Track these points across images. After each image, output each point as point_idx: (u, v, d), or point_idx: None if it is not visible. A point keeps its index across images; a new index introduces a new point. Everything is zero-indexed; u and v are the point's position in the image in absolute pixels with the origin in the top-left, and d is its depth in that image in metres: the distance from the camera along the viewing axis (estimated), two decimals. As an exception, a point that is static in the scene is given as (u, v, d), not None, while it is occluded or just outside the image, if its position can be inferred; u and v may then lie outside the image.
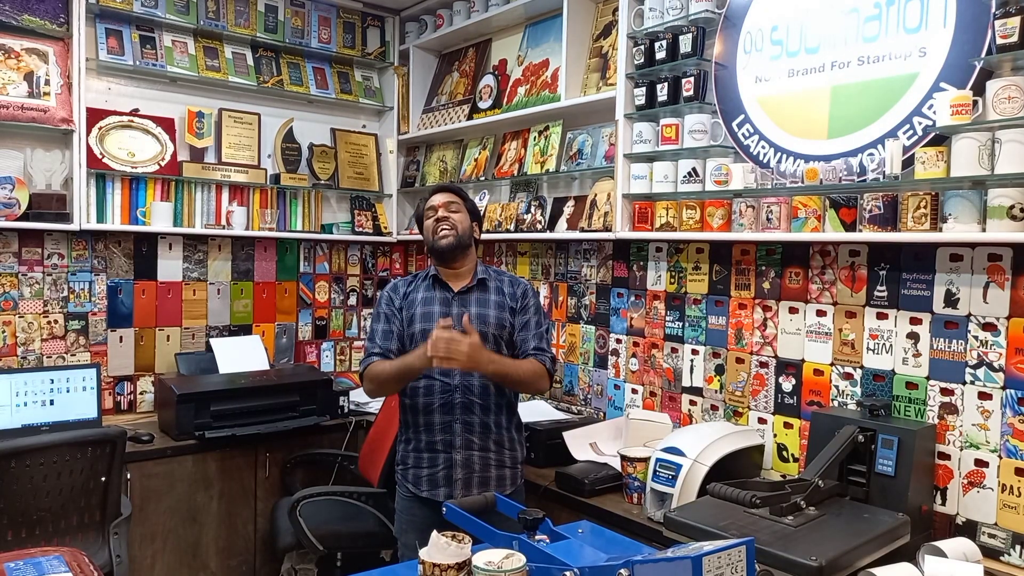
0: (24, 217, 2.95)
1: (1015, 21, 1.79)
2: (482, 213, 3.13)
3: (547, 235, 3.16)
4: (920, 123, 2.00)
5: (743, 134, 2.43)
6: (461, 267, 2.36)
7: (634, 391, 2.94)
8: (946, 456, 2.04)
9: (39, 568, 1.44)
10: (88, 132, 3.10)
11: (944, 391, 2.06)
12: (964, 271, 2.02)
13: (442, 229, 2.32)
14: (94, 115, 3.14)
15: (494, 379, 2.22)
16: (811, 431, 2.18)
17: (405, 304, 2.35)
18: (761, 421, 2.49)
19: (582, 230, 2.97)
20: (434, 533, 1.41)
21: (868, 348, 2.22)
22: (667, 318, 2.80)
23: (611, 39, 2.94)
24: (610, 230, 2.79)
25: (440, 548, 1.39)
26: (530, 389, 2.30)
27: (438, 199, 2.38)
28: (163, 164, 3.29)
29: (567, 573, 1.33)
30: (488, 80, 3.53)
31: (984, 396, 1.98)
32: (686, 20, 2.54)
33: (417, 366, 2.17)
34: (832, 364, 2.31)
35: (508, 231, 3.32)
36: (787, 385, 2.43)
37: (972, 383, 2.00)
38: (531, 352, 2.29)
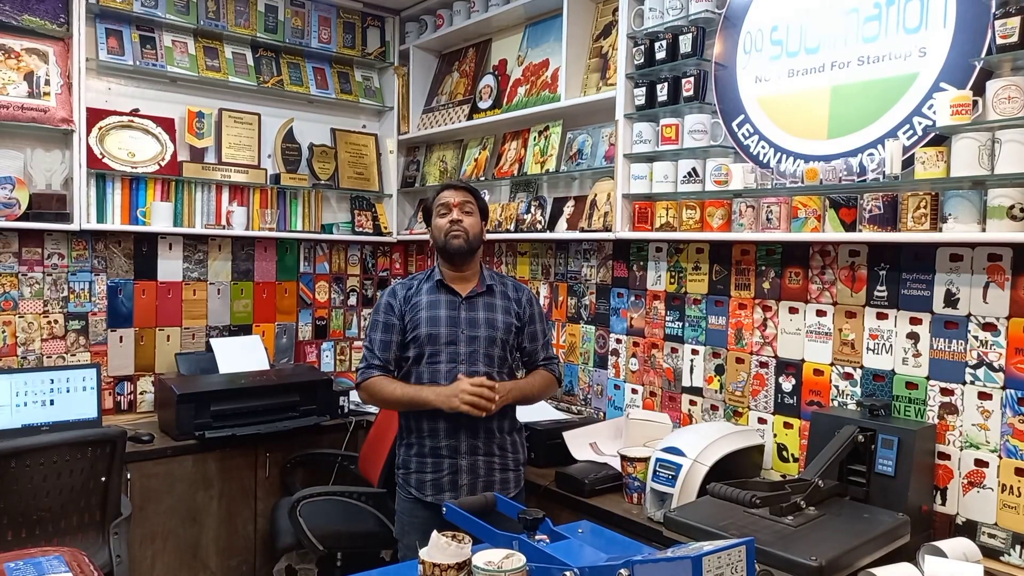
0: (24, 217, 2.95)
1: (1015, 21, 1.79)
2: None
3: (547, 235, 3.16)
4: (920, 123, 2.00)
5: (743, 134, 2.43)
6: (467, 270, 2.35)
7: (634, 391, 2.94)
8: (946, 456, 2.04)
9: (39, 568, 1.44)
10: (88, 132, 3.10)
11: (944, 391, 2.06)
12: (964, 271, 2.01)
13: (455, 231, 2.29)
14: (94, 115, 3.14)
15: (515, 404, 2.30)
16: (811, 431, 2.18)
17: (407, 308, 2.32)
18: (761, 421, 2.49)
19: (582, 230, 2.97)
20: (434, 533, 1.41)
21: (868, 348, 2.22)
22: (667, 318, 2.80)
23: (611, 39, 2.94)
24: (610, 230, 2.79)
25: (440, 548, 1.39)
26: (542, 399, 2.41)
27: (452, 196, 2.34)
28: (163, 164, 3.29)
29: (567, 573, 1.33)
30: (488, 80, 3.53)
31: (984, 396, 1.98)
32: (686, 20, 2.54)
33: (435, 404, 2.19)
34: (832, 364, 2.31)
35: (508, 231, 3.32)
36: (787, 385, 2.43)
37: (972, 383, 2.00)
38: (541, 363, 2.39)
